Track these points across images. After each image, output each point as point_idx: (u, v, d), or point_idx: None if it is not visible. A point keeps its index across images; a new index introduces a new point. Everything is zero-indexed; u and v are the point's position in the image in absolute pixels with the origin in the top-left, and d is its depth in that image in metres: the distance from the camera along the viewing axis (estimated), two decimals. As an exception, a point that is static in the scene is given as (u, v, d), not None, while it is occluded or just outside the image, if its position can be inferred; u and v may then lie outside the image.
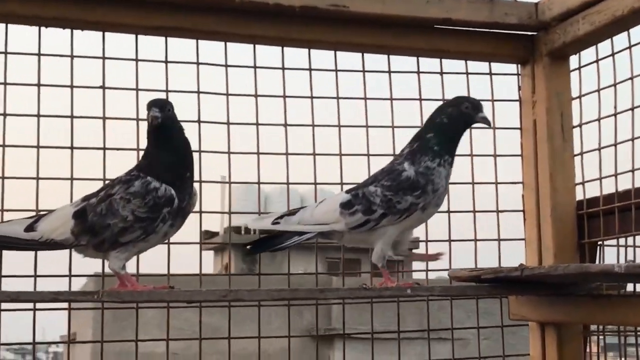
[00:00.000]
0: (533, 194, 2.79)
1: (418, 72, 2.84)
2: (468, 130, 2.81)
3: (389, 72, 2.81)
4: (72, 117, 2.51)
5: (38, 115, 2.48)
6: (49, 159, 2.49)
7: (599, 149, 2.65)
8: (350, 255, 3.15)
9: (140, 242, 2.18)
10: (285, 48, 2.71)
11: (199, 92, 2.63)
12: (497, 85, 2.88)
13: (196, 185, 2.34)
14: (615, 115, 2.61)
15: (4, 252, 2.38)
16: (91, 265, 2.36)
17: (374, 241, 2.35)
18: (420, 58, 2.83)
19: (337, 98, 2.77)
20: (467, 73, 2.87)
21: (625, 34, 2.56)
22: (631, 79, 2.55)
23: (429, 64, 2.85)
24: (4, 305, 2.42)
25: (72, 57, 2.53)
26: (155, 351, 4.65)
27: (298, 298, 2.45)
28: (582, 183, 2.73)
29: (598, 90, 2.67)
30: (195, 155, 2.40)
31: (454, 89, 2.83)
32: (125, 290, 2.19)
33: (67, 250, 2.33)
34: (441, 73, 2.86)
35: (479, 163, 2.85)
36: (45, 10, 2.43)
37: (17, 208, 2.43)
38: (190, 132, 2.31)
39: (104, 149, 2.53)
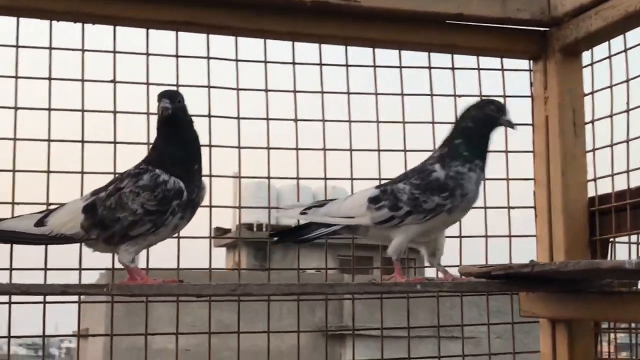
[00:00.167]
0: (544, 191, 2.78)
1: (429, 68, 2.84)
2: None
3: (400, 67, 2.80)
4: (82, 110, 2.52)
5: (49, 109, 2.49)
6: (59, 152, 2.50)
7: (611, 146, 2.64)
8: (362, 253, 3.15)
9: (150, 235, 2.18)
10: (295, 43, 2.71)
11: (209, 87, 2.64)
12: (509, 81, 2.88)
13: (206, 180, 2.33)
14: (627, 111, 2.59)
15: (15, 247, 2.39)
16: (101, 259, 2.37)
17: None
18: (431, 53, 2.82)
19: (348, 93, 2.76)
20: (478, 69, 2.86)
21: (638, 29, 2.55)
22: (644, 74, 2.54)
23: (441, 59, 2.84)
24: (15, 298, 2.43)
25: (83, 51, 2.54)
26: (167, 347, 4.66)
27: (307, 293, 2.44)
28: (594, 180, 2.71)
29: (610, 87, 2.66)
30: (206, 150, 2.40)
31: (465, 84, 2.82)
32: (135, 284, 2.19)
33: (78, 246, 2.34)
34: (453, 69, 2.85)
35: (490, 159, 2.83)
36: (56, 4, 2.44)
37: (28, 201, 2.44)
38: (200, 126, 2.32)
39: (115, 142, 2.54)
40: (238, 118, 2.65)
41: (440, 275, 2.39)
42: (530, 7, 2.74)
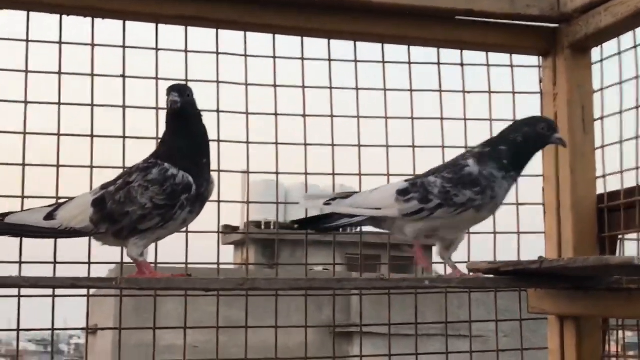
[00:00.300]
0: (553, 187, 2.77)
1: (438, 64, 2.83)
2: (489, 124, 2.81)
3: (409, 63, 2.80)
4: (92, 105, 2.53)
5: (59, 104, 2.50)
6: (69, 147, 2.51)
7: (621, 142, 2.63)
8: (370, 251, 3.15)
9: (159, 229, 2.19)
10: (304, 38, 2.71)
11: (218, 82, 2.64)
12: (518, 77, 2.88)
13: (214, 175, 2.34)
14: (637, 108, 2.59)
15: (24, 240, 2.40)
16: (110, 253, 2.38)
17: None
18: (440, 49, 2.82)
19: (357, 89, 2.76)
20: (487, 65, 2.86)
21: (648, 25, 2.54)
22: (654, 71, 2.53)
23: (450, 55, 2.84)
24: (24, 292, 2.44)
25: (92, 45, 2.54)
26: (176, 343, 4.65)
27: (315, 288, 2.44)
28: (603, 176, 2.71)
29: (620, 83, 2.65)
30: (214, 145, 2.40)
31: (474, 81, 2.82)
32: (144, 278, 2.20)
33: (87, 240, 2.35)
34: (462, 65, 2.85)
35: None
36: (66, -2, 2.45)
37: (38, 195, 2.45)
38: (209, 121, 2.32)
39: (124, 137, 2.54)
40: (247, 113, 2.66)
41: (449, 270, 2.39)
42: (540, 3, 2.74)
